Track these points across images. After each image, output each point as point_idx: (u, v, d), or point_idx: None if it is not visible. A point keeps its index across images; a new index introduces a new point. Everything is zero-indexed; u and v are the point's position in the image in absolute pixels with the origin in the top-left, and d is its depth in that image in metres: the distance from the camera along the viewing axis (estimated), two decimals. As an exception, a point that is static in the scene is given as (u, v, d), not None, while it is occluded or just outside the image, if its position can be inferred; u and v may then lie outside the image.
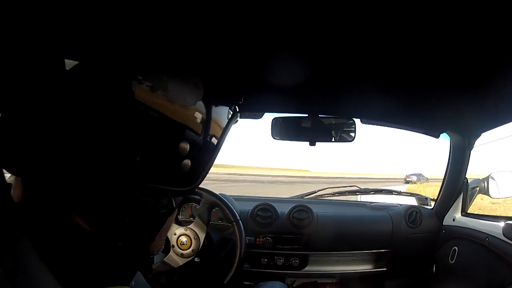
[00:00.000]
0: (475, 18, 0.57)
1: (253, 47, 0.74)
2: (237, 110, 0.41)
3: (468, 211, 1.26)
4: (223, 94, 0.39)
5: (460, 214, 1.27)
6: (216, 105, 0.37)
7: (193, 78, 0.34)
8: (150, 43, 0.32)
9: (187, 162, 0.34)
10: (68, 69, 0.28)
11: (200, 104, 0.34)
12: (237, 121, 0.41)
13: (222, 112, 0.38)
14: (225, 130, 0.38)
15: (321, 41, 0.71)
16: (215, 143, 0.38)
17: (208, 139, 0.36)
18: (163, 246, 0.40)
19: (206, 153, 0.36)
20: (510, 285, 0.89)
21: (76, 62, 0.28)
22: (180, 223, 1.07)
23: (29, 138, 0.29)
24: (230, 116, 0.40)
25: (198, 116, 0.34)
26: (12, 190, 0.32)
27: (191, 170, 0.34)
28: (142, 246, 0.37)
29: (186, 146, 0.33)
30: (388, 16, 0.59)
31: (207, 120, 0.35)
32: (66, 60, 0.28)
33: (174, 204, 0.37)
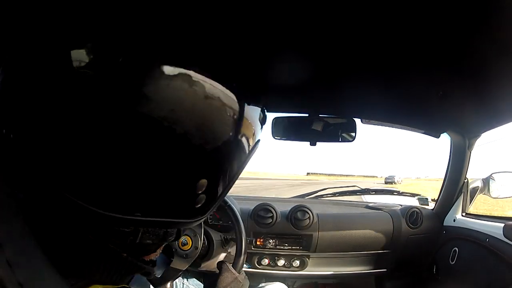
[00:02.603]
0: (475, 17, 0.57)
1: (252, 47, 0.74)
2: (258, 146, 0.39)
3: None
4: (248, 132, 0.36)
5: (460, 215, 1.27)
6: (238, 147, 0.35)
7: (225, 116, 0.32)
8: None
9: (203, 197, 0.33)
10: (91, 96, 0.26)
11: (224, 141, 0.33)
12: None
13: (243, 151, 0.36)
14: (243, 165, 0.37)
15: (321, 40, 0.71)
16: (231, 178, 0.36)
17: (225, 175, 0.35)
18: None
19: (221, 188, 0.35)
20: (511, 286, 0.89)
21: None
22: None
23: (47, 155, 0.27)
24: (251, 150, 0.38)
25: (220, 153, 0.33)
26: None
27: (204, 204, 0.34)
28: (143, 257, 0.37)
29: (205, 182, 0.32)
30: (388, 14, 0.59)
31: (227, 156, 0.34)
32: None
33: (181, 233, 0.37)
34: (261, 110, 0.38)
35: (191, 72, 0.29)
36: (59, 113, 0.26)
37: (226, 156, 0.34)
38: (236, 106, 0.32)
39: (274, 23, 0.63)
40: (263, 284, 1.08)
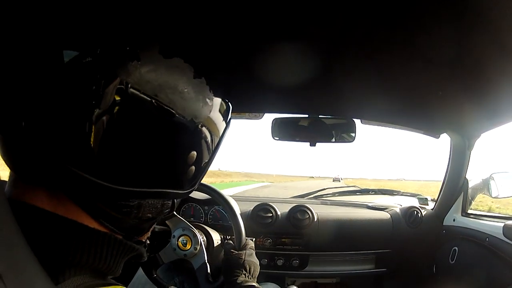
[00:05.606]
0: (474, 16, 0.57)
1: (252, 47, 0.74)
2: (230, 120, 0.45)
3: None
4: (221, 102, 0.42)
5: (460, 215, 1.27)
6: (216, 116, 0.40)
7: (207, 94, 0.37)
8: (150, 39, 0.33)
9: (192, 168, 0.38)
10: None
11: (207, 117, 0.38)
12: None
13: (219, 121, 0.41)
14: (221, 138, 0.42)
15: (321, 40, 0.71)
16: (213, 151, 0.41)
17: (210, 148, 0.40)
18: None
19: (205, 161, 0.40)
20: (510, 286, 0.89)
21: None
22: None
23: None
24: (225, 124, 0.43)
25: (205, 128, 0.38)
26: (7, 188, 0.34)
27: (194, 175, 0.38)
28: (137, 237, 0.40)
29: (194, 155, 0.37)
30: (387, 12, 0.59)
31: (210, 131, 0.39)
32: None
33: (175, 206, 0.41)
34: (223, 101, 0.42)
35: (175, 60, 0.34)
36: (67, 98, 0.29)
37: (208, 133, 0.39)
38: (208, 94, 0.38)
39: (273, 23, 0.63)
40: None
